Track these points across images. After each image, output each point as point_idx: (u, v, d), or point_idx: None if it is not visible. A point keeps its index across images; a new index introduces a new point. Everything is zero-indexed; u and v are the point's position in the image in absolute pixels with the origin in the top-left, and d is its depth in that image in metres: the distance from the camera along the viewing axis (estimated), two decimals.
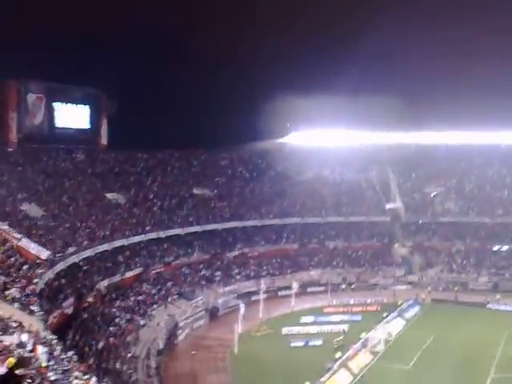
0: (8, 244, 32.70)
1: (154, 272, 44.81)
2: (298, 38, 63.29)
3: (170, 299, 41.92)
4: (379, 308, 45.26)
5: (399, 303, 45.82)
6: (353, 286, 52.58)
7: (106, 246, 40.99)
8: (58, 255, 34.57)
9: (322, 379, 29.54)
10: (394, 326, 40.35)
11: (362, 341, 35.54)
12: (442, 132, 67.06)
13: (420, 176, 68.21)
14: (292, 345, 36.38)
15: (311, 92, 57.85)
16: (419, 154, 67.10)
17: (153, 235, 47.23)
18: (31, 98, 52.03)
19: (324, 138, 68.81)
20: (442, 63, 64.19)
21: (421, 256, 58.27)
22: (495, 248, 57.01)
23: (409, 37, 61.33)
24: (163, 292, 42.48)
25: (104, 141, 59.67)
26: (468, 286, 53.09)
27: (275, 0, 64.71)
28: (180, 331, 37.83)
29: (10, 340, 19.10)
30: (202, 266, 49.35)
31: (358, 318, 42.80)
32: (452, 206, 63.70)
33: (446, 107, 58.60)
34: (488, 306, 46.76)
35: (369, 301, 47.77)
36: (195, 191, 58.42)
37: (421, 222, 61.08)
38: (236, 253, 53.48)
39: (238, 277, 50.15)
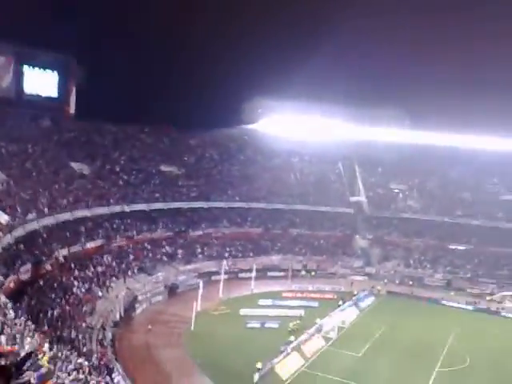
0: None
1: (115, 245, 44.40)
2: (275, 23, 62.82)
3: (130, 273, 41.74)
4: (336, 296, 46.29)
5: (355, 293, 47.00)
6: (312, 274, 53.45)
7: (67, 216, 40.37)
8: (17, 220, 33.88)
9: (275, 360, 30.20)
10: (348, 314, 41.35)
11: (316, 326, 36.39)
12: (409, 131, 68.24)
13: (385, 172, 69.58)
14: (248, 325, 36.90)
15: (285, 78, 57.88)
16: (386, 151, 67.88)
17: (117, 208, 46.84)
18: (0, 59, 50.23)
19: (295, 127, 68.97)
20: (419, 59, 65.07)
21: (380, 249, 59.68)
22: (452, 247, 58.85)
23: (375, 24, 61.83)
24: (124, 265, 42.21)
25: (72, 109, 58.10)
26: (423, 281, 54.74)
27: None
28: (138, 305, 37.88)
29: None
30: (164, 242, 49.26)
31: (315, 304, 43.62)
32: (413, 203, 65.37)
33: (416, 106, 59.66)
34: (441, 301, 48.42)
35: (326, 288, 48.81)
36: (163, 168, 57.98)
37: (383, 215, 62.53)
38: (200, 232, 53.55)
39: (200, 256, 50.34)
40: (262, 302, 42.43)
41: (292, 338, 33.74)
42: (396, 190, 67.65)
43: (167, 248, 48.71)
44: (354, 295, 46.25)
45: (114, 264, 41.52)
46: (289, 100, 62.75)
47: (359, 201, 65.66)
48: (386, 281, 52.76)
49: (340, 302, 43.21)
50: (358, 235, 61.61)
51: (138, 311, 37.72)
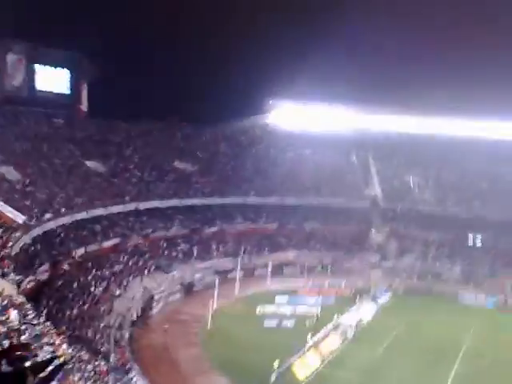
0: None
1: (131, 243, 44.43)
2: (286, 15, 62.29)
3: (146, 271, 41.72)
4: (353, 292, 45.80)
5: (373, 288, 46.48)
6: (328, 269, 52.93)
7: (83, 215, 40.40)
8: (34, 220, 34.00)
9: (292, 359, 29.99)
10: (366, 310, 40.91)
11: (333, 324, 36.03)
12: (425, 120, 66.65)
13: (400, 163, 68.39)
14: (265, 323, 36.71)
15: (296, 67, 57.36)
16: (400, 141, 66.76)
17: (132, 206, 46.69)
18: (11, 58, 50.34)
19: (305, 118, 68.00)
20: (432, 48, 64.17)
21: (396, 243, 58.79)
22: (470, 240, 57.83)
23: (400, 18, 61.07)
24: (140, 264, 42.20)
25: (84, 107, 58.23)
26: (441, 276, 53.79)
27: None
28: (155, 304, 37.85)
29: None
30: (180, 240, 49.13)
31: (332, 300, 43.07)
32: (429, 195, 64.21)
33: (431, 94, 58.52)
34: (459, 297, 47.73)
35: (343, 284, 48.25)
36: (176, 165, 57.78)
37: (399, 208, 61.42)
38: (215, 229, 53.25)
39: (215, 253, 50.12)
40: (278, 299, 42.06)
41: (309, 336, 33.50)
42: (411, 182, 66.49)
43: (183, 246, 48.59)
44: (372, 291, 45.73)
45: (130, 263, 41.55)
46: (299, 91, 61.72)
47: (374, 193, 64.75)
48: (404, 275, 52.07)
49: (357, 299, 42.79)
50: (374, 229, 60.83)
51: (155, 310, 37.73)
